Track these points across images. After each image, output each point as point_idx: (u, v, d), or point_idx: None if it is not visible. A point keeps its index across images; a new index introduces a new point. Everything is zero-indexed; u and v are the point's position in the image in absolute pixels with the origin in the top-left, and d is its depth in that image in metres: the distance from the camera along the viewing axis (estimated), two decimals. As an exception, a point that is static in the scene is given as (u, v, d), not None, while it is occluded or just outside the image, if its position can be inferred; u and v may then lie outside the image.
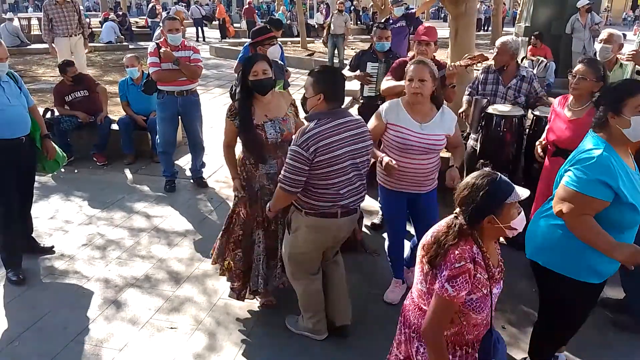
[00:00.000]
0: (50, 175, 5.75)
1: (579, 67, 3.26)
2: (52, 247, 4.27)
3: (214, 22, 24.02)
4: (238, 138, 3.33)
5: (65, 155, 4.26)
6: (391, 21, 7.28)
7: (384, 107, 3.31)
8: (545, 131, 3.61)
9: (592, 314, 2.81)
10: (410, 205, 3.45)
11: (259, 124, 3.20)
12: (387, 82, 4.14)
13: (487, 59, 4.12)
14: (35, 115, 3.94)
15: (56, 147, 4.11)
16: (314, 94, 2.80)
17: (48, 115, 6.41)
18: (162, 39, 5.28)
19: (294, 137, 2.80)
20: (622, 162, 2.32)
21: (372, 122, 3.29)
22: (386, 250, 3.72)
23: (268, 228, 3.36)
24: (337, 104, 2.84)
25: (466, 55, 4.18)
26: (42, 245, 4.27)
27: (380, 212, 4.74)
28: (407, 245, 3.80)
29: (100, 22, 19.62)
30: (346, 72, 5.03)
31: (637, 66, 4.14)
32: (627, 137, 2.32)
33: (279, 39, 5.21)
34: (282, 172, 2.78)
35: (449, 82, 4.05)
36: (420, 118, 3.20)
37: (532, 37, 9.80)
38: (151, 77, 5.23)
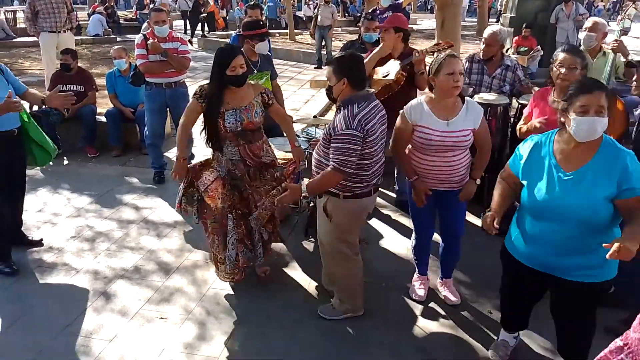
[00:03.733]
0: (38, 168, 5.73)
1: (565, 56, 3.15)
2: (41, 239, 4.26)
3: (201, 15, 23.82)
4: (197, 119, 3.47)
5: (56, 147, 4.22)
6: (378, 12, 7.29)
7: (408, 108, 3.21)
8: (524, 122, 3.51)
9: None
10: (438, 203, 3.35)
11: (220, 112, 3.30)
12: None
13: (452, 44, 4.18)
14: (28, 97, 3.93)
15: (47, 138, 4.08)
16: (337, 81, 2.89)
17: (35, 107, 6.36)
18: (149, 31, 5.25)
19: (335, 124, 2.87)
20: (549, 154, 2.43)
21: (398, 127, 3.23)
22: (412, 248, 3.67)
23: (237, 212, 3.47)
24: (361, 86, 2.92)
25: (433, 42, 4.25)
26: (30, 238, 4.26)
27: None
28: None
29: (88, 14, 19.38)
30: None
31: (619, 55, 4.19)
32: (572, 135, 2.33)
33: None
34: (334, 156, 2.82)
35: (418, 69, 4.08)
36: (445, 114, 3.09)
37: (524, 28, 9.89)
38: (139, 69, 5.21)
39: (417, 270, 3.69)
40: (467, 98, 3.20)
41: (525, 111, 3.50)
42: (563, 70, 3.13)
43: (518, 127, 3.59)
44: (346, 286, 3.31)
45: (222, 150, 3.42)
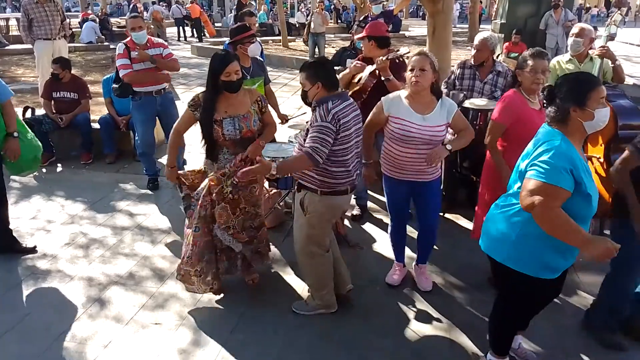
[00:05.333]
0: (32, 175, 5.73)
1: (539, 62, 3.30)
2: (35, 247, 4.25)
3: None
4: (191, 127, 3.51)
5: (39, 158, 4.11)
6: (369, 19, 7.36)
7: (386, 100, 3.41)
8: (494, 139, 3.46)
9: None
10: (413, 193, 3.56)
11: (217, 120, 3.30)
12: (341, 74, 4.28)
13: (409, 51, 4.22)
14: (7, 109, 3.81)
15: (39, 143, 4.02)
16: (312, 85, 3.04)
17: (28, 114, 6.38)
18: (128, 39, 5.15)
19: (312, 121, 3.00)
20: (576, 154, 2.35)
21: (373, 113, 3.45)
22: (389, 235, 3.86)
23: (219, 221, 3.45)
24: (335, 87, 3.09)
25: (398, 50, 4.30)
26: (24, 245, 4.24)
27: (356, 205, 4.88)
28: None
29: (79, 22, 19.39)
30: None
31: (607, 60, 4.24)
32: (584, 129, 2.37)
33: (259, 38, 5.23)
34: (309, 143, 2.94)
35: (384, 76, 4.11)
36: (421, 109, 3.28)
37: (514, 34, 9.98)
38: (124, 80, 5.07)
39: (395, 258, 3.88)
40: (443, 96, 3.37)
41: (499, 121, 3.40)
42: (538, 75, 3.31)
43: (490, 144, 3.47)
44: (316, 282, 3.40)
45: (216, 159, 3.42)
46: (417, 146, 3.29)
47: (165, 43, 5.46)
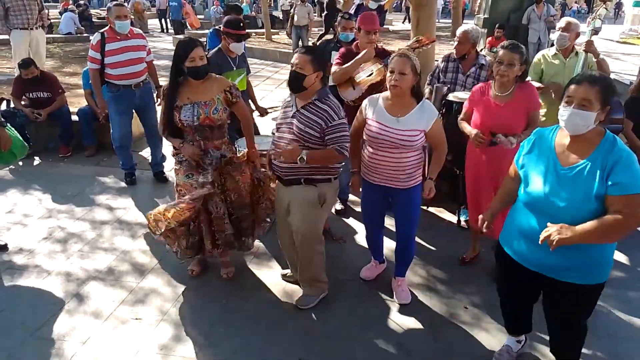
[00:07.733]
0: (7, 168, 5.60)
1: (504, 53, 3.28)
2: (6, 244, 4.11)
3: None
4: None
5: (26, 145, 4.02)
6: (360, 11, 7.32)
7: (365, 101, 3.33)
8: (465, 119, 3.69)
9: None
10: (391, 199, 3.41)
11: (178, 105, 3.30)
12: (337, 70, 4.17)
13: (434, 40, 4.18)
14: None
15: (18, 136, 3.93)
16: (314, 72, 3.02)
17: (4, 106, 6.21)
18: (107, 28, 5.01)
19: (325, 116, 3.02)
20: (549, 145, 2.38)
21: (356, 118, 3.38)
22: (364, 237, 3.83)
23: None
24: (325, 81, 3.18)
25: (414, 38, 4.25)
26: None
27: (339, 199, 4.84)
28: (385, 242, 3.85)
29: (60, 12, 19.04)
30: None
31: (590, 55, 4.26)
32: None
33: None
34: (341, 142, 3.04)
35: None
36: (397, 112, 3.14)
37: (496, 29, 10.04)
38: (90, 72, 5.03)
39: (372, 256, 3.83)
40: (425, 100, 3.22)
41: (466, 105, 3.69)
42: (502, 66, 3.29)
43: (459, 120, 3.76)
44: (318, 268, 3.42)
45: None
46: (386, 149, 3.16)
47: (144, 34, 5.35)
